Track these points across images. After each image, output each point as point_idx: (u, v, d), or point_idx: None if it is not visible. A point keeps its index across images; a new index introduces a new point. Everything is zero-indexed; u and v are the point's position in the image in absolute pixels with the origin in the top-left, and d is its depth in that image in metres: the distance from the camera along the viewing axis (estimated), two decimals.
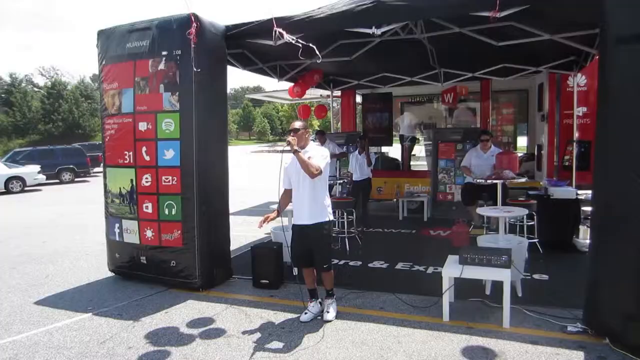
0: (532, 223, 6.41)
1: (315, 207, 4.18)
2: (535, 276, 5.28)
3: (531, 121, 11.14)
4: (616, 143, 3.50)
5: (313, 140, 8.67)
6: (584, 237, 6.20)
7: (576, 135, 7.91)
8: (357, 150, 8.34)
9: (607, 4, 3.50)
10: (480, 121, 10.85)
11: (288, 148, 4.03)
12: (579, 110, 8.27)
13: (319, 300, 4.45)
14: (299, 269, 4.64)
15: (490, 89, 10.46)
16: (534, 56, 7.65)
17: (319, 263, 4.28)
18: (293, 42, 4.77)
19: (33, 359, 3.72)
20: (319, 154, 4.16)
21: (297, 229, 4.28)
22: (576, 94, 7.87)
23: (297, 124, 4.21)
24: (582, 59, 7.08)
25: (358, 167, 8.21)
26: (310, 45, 4.75)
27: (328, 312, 4.33)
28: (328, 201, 4.31)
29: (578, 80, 8.04)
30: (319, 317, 4.34)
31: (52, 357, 3.73)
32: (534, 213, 6.32)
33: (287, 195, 4.43)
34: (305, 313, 4.35)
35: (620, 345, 3.48)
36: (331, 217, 4.33)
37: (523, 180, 6.63)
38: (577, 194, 6.53)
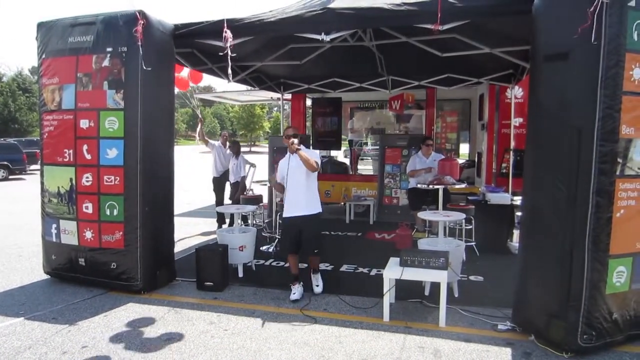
0: (470, 227, 6.73)
1: (311, 199, 4.85)
2: (472, 277, 5.55)
3: (472, 130, 11.67)
4: (543, 152, 3.77)
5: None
6: (517, 240, 6.57)
7: (513, 144, 8.39)
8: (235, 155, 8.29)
9: (535, 24, 3.78)
10: (425, 128, 11.25)
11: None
12: (515, 121, 8.81)
13: (301, 283, 4.98)
14: (285, 257, 5.48)
15: (436, 98, 10.87)
16: (475, 68, 8.04)
17: (311, 248, 4.93)
18: (224, 51, 4.75)
19: None
20: (313, 153, 4.95)
21: (291, 220, 4.85)
22: (513, 106, 8.36)
23: (293, 131, 4.86)
24: (519, 73, 7.51)
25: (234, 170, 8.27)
26: (230, 61, 4.77)
27: (317, 285, 5.06)
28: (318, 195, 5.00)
29: (515, 93, 8.54)
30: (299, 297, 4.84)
31: None
32: (472, 217, 6.64)
33: (281, 187, 4.96)
34: (294, 293, 4.85)
35: (543, 341, 3.75)
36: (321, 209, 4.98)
37: (463, 186, 6.95)
38: (512, 200, 6.93)
